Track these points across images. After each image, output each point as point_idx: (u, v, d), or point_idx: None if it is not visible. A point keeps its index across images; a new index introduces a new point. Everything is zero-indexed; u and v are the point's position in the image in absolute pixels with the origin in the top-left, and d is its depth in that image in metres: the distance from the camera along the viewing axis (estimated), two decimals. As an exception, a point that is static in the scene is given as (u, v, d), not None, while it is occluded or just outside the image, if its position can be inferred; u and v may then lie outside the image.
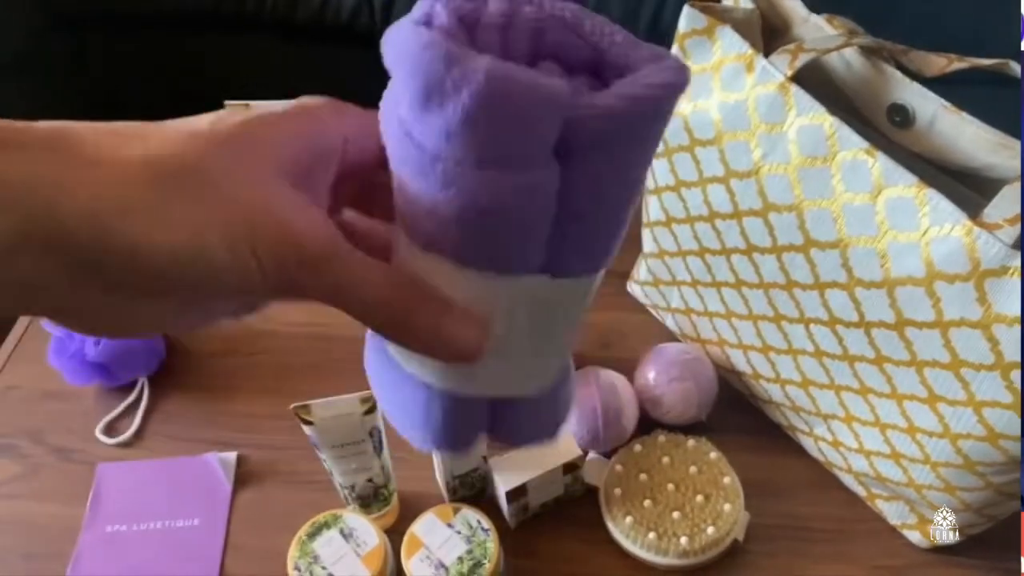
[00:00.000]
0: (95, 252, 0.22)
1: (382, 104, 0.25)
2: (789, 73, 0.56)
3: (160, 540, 0.66)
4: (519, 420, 0.31)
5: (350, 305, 0.26)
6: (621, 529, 0.63)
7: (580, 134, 0.22)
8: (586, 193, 0.24)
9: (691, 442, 0.67)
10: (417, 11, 0.23)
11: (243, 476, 0.70)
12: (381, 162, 0.25)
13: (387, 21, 1.20)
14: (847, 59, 0.60)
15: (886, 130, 0.59)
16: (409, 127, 0.23)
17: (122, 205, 0.22)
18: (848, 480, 0.67)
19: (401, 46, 0.22)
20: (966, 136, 0.55)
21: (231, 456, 0.71)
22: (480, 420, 0.30)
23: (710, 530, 0.62)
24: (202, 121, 0.24)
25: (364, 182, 0.28)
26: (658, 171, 0.68)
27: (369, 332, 0.29)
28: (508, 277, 0.25)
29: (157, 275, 0.23)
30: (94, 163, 0.22)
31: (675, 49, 0.63)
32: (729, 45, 0.60)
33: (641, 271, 0.78)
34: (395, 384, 0.29)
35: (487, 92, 0.21)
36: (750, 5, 0.62)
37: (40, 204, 0.21)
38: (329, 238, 0.25)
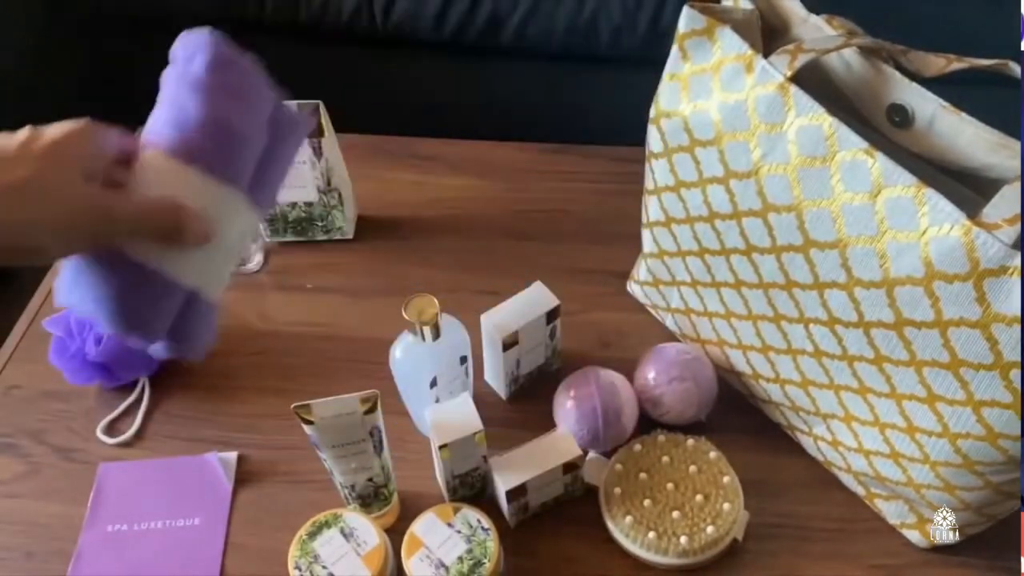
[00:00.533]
0: None
1: (164, 77, 0.45)
2: (788, 73, 0.56)
3: (161, 540, 0.66)
4: (196, 322, 0.45)
5: (138, 232, 0.41)
6: (621, 528, 0.63)
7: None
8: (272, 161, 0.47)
9: (691, 442, 0.67)
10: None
11: (244, 476, 0.70)
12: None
13: (387, 22, 1.21)
14: (846, 59, 0.60)
15: (885, 130, 0.59)
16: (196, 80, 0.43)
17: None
18: (847, 480, 0.67)
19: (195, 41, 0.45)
20: (965, 136, 0.55)
21: (232, 456, 0.71)
22: (172, 309, 0.44)
23: (709, 529, 0.62)
24: (13, 142, 0.39)
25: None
26: (658, 171, 0.68)
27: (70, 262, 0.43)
28: (231, 187, 0.44)
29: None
30: None
31: (675, 49, 0.63)
32: (729, 46, 0.60)
33: (641, 271, 0.78)
34: (102, 279, 0.42)
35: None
36: (749, 6, 0.62)
37: None
38: (110, 208, 0.41)
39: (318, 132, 0.78)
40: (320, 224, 0.86)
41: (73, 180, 0.39)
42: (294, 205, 0.84)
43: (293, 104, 0.74)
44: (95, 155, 0.41)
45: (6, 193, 0.37)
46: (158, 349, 0.46)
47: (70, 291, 0.43)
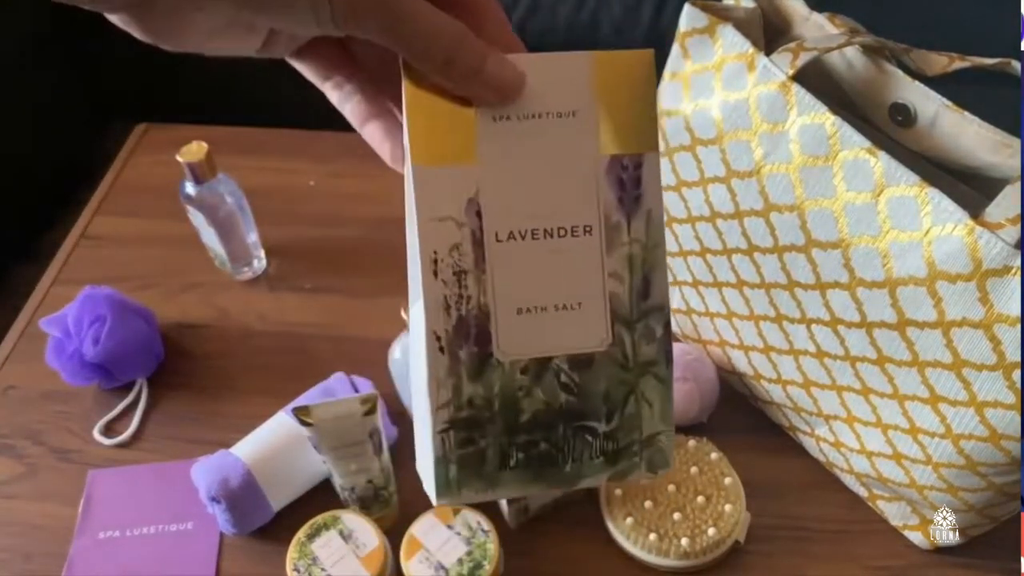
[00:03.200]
0: None
1: None
2: (790, 72, 0.56)
3: (154, 545, 0.66)
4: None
5: (403, 35, 0.27)
6: (621, 530, 0.63)
7: None
8: None
9: (692, 442, 0.67)
10: None
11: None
12: None
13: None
14: (848, 58, 0.60)
15: (888, 129, 0.59)
16: None
17: None
18: (850, 481, 0.67)
19: None
20: (968, 135, 0.54)
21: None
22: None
23: (711, 531, 0.62)
24: None
25: None
26: (659, 171, 0.68)
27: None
28: None
29: None
30: None
31: (676, 48, 0.63)
32: (730, 44, 0.59)
33: (641, 271, 0.78)
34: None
35: None
36: (751, 4, 0.62)
37: None
38: None
39: (642, 136, 0.33)
40: (602, 431, 0.32)
41: None
42: (542, 368, 0.30)
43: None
44: None
45: None
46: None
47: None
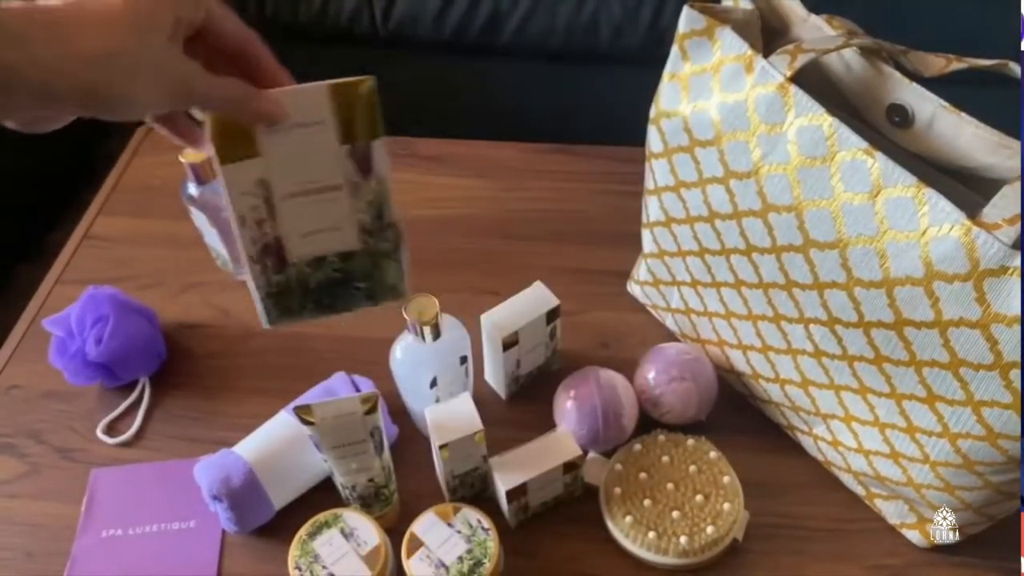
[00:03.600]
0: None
1: None
2: (788, 74, 0.56)
3: (156, 543, 0.66)
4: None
5: (208, 104, 0.44)
6: (621, 528, 0.63)
7: None
8: None
9: (691, 441, 0.67)
10: None
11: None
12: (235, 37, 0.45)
13: (387, 22, 1.21)
14: (846, 59, 0.60)
15: (885, 130, 0.59)
16: None
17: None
18: (847, 479, 0.67)
19: None
20: (965, 136, 0.55)
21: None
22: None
23: (709, 529, 0.62)
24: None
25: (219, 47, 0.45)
26: (658, 172, 0.68)
27: None
28: None
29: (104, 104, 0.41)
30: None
31: (675, 49, 0.63)
32: (729, 46, 0.60)
33: (641, 271, 0.78)
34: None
35: None
36: (749, 6, 0.62)
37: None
38: (204, 77, 0.43)
39: (369, 131, 0.48)
40: (363, 286, 0.54)
41: (161, 42, 0.41)
42: (320, 263, 0.52)
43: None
44: (195, 27, 0.43)
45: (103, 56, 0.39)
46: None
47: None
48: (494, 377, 0.74)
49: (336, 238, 0.51)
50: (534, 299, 0.70)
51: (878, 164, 0.53)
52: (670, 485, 0.64)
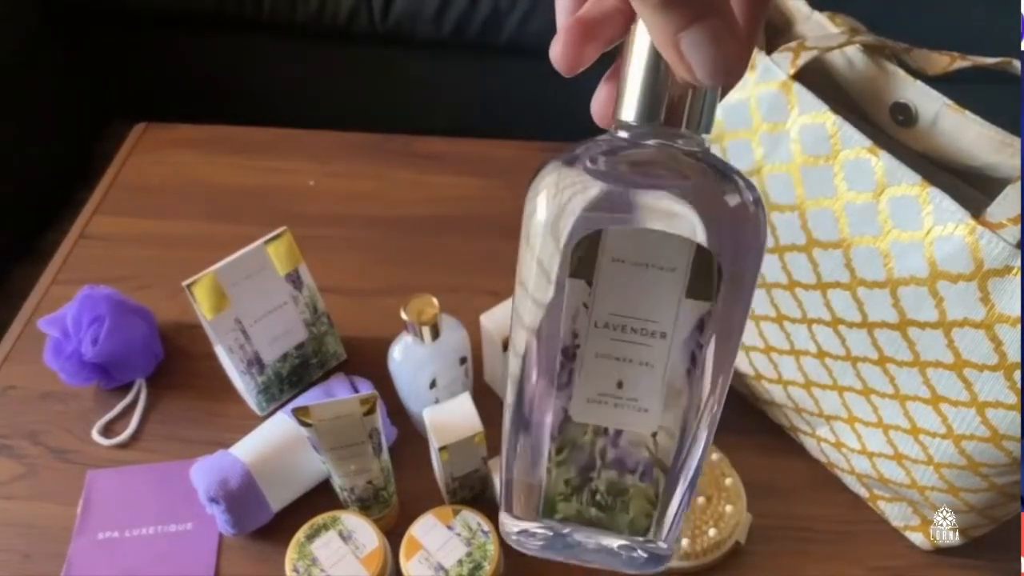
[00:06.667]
0: None
1: None
2: (791, 71, 0.56)
3: (153, 545, 0.66)
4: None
5: None
6: (622, 531, 0.63)
7: None
8: None
9: (692, 443, 0.66)
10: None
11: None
12: None
13: (386, 20, 1.20)
14: (849, 57, 0.60)
15: (889, 129, 0.59)
16: None
17: None
18: (850, 481, 0.67)
19: None
20: (969, 135, 0.54)
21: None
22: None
23: (712, 532, 0.61)
24: None
25: None
26: (659, 170, 0.67)
27: None
28: None
29: None
30: None
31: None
32: (730, 43, 0.59)
33: (642, 271, 0.78)
34: None
35: None
36: (752, 3, 0.62)
37: None
38: None
39: (295, 263, 0.69)
40: (315, 361, 0.74)
41: None
42: (285, 357, 0.71)
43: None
44: None
45: None
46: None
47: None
48: (494, 377, 0.74)
49: (291, 337, 0.70)
50: (534, 299, 0.69)
51: (882, 163, 0.52)
52: (671, 487, 0.64)
